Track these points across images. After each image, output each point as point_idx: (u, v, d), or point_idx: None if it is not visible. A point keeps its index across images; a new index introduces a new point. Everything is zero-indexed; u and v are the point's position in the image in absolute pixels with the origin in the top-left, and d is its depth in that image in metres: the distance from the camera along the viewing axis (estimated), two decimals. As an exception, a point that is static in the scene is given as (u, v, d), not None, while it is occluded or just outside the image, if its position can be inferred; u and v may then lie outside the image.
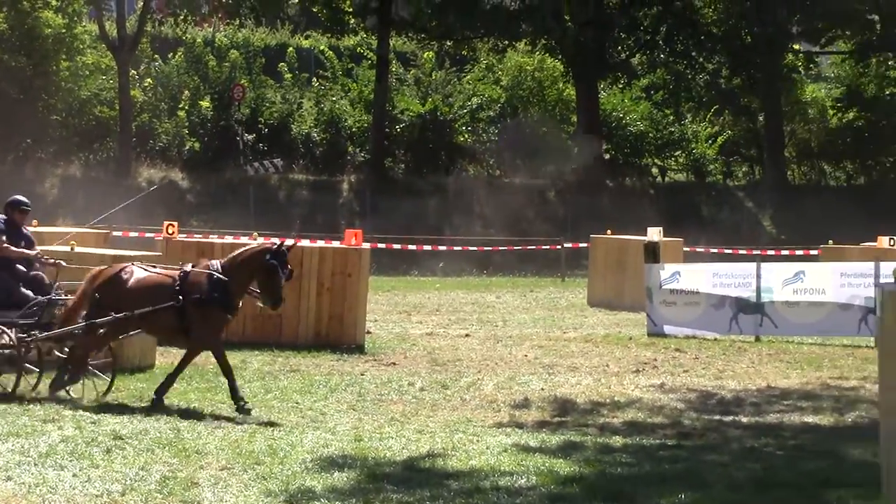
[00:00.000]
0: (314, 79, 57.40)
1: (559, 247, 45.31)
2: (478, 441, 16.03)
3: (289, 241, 19.13)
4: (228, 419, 17.23)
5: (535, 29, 54.99)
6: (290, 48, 58.12)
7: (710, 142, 60.78)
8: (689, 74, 59.25)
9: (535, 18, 54.38)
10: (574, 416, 18.33)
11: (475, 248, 47.35)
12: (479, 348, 25.25)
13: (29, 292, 19.78)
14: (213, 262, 19.12)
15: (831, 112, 63.43)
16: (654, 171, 60.38)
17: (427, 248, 45.39)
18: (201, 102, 53.39)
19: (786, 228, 52.51)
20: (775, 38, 57.13)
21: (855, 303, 26.91)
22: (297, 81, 56.56)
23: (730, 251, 39.69)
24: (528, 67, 58.22)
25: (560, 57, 56.38)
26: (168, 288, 18.81)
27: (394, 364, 22.68)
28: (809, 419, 18.65)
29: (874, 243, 35.33)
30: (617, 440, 16.51)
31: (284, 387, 19.70)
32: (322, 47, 58.90)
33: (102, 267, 20.08)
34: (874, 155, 62.07)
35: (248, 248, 19.51)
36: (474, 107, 57.19)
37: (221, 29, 59.55)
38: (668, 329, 27.94)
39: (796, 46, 61.76)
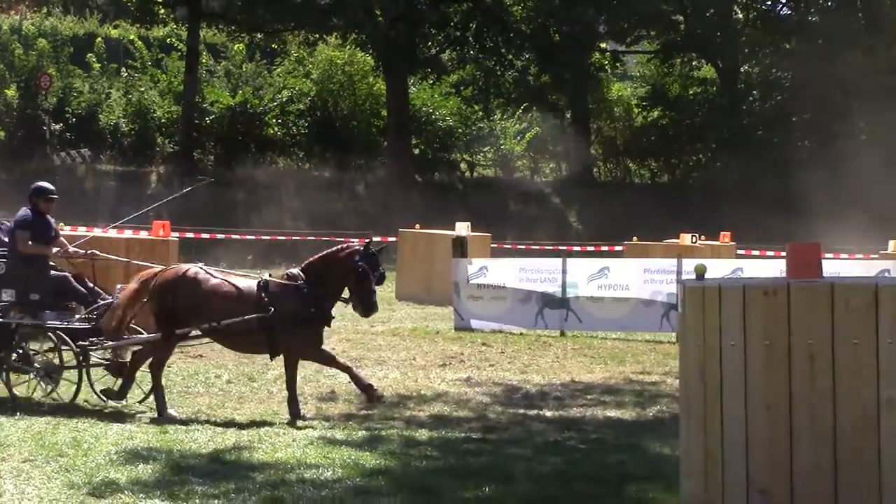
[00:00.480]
0: (123, 69, 56.89)
1: (367, 241, 45.22)
2: (284, 434, 16.04)
3: (376, 240, 19.46)
4: (32, 411, 16.99)
5: (345, 23, 55.02)
6: (99, 38, 57.55)
7: (518, 138, 61.20)
8: (498, 71, 59.59)
9: (346, 13, 54.38)
10: (380, 409, 18.31)
11: (284, 239, 47.21)
12: (284, 340, 25.20)
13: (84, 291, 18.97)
14: (293, 270, 18.47)
15: (636, 111, 64.30)
16: (463, 166, 60.59)
17: (235, 237, 45.17)
18: (7, 91, 52.67)
19: (591, 224, 52.94)
20: (582, 36, 57.70)
21: (657, 299, 27.25)
22: (106, 71, 56.04)
23: (536, 247, 39.91)
24: (338, 61, 58.19)
25: (370, 51, 56.34)
26: (252, 297, 17.83)
27: (201, 356, 22.53)
28: (612, 413, 18.82)
29: (677, 240, 35.72)
30: (423, 433, 16.54)
31: (92, 378, 19.44)
32: (131, 37, 58.40)
33: (157, 268, 19.13)
34: (677, 154, 62.96)
35: (331, 251, 18.73)
36: (284, 100, 57.10)
37: (28, 17, 58.72)
38: (474, 323, 28.06)
39: (603, 45, 62.39)
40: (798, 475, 11.71)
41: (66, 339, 18.38)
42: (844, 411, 11.66)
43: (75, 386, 18.30)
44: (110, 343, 18.37)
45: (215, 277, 18.32)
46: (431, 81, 59.64)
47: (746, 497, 11.81)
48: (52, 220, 19.76)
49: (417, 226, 37.62)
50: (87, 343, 18.46)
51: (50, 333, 18.69)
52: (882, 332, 11.63)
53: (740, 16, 61.15)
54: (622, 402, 19.92)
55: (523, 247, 40.13)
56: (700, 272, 13.28)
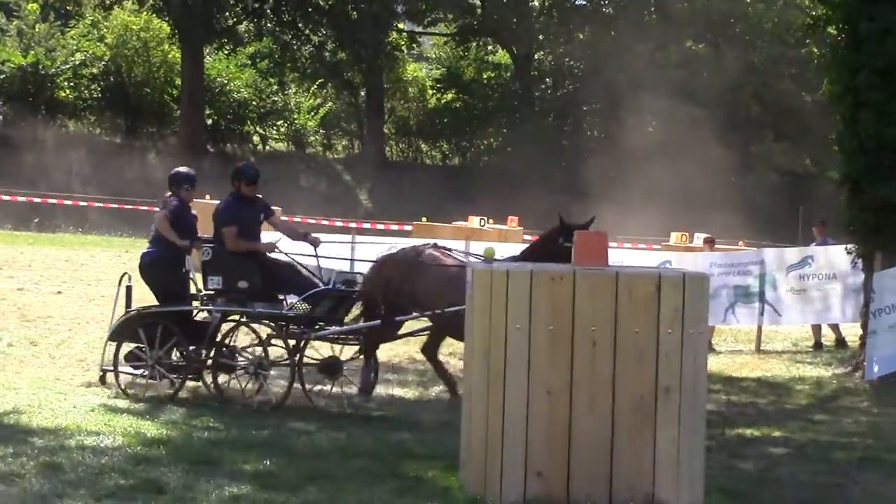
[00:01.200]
0: None
1: (156, 209, 44.94)
2: (65, 399, 15.90)
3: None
4: None
5: (141, -12, 54.63)
6: None
7: (311, 113, 61.18)
8: (294, 45, 59.53)
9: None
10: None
11: (70, 204, 46.75)
12: (70, 306, 24.95)
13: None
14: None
15: (430, 92, 64.45)
16: (256, 139, 60.44)
17: (21, 199, 44.68)
18: None
19: (382, 203, 53.08)
20: (380, 15, 57.74)
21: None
22: None
23: (326, 222, 39.91)
24: (133, 27, 57.65)
25: (167, 18, 55.97)
26: None
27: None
28: (395, 392, 18.90)
29: (466, 223, 35.97)
30: (207, 405, 16.53)
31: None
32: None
33: (392, 252, 18.78)
34: (469, 137, 63.26)
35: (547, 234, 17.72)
36: (77, 63, 56.48)
37: None
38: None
39: (400, 25, 62.47)
40: (575, 458, 11.95)
41: (277, 330, 17.30)
42: (623, 397, 11.94)
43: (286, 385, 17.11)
44: (333, 329, 17.49)
45: (447, 258, 17.27)
46: (227, 52, 59.44)
47: (524, 478, 12.02)
48: (262, 203, 18.35)
49: (207, 196, 37.55)
50: (302, 331, 17.39)
51: (261, 325, 17.50)
52: (663, 321, 11.93)
53: (536, 3, 61.61)
54: (405, 381, 20.04)
55: (314, 222, 40.13)
56: (488, 255, 13.45)
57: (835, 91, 21.85)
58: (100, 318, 23.59)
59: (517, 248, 28.15)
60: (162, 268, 17.79)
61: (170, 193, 18.61)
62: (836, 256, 23.74)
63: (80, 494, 11.76)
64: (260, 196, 18.36)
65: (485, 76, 64.04)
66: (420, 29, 64.11)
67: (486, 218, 36.94)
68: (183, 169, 19.08)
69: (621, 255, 26.81)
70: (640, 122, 55.12)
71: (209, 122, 57.46)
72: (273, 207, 18.99)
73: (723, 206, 48.49)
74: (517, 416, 11.83)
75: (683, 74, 55.74)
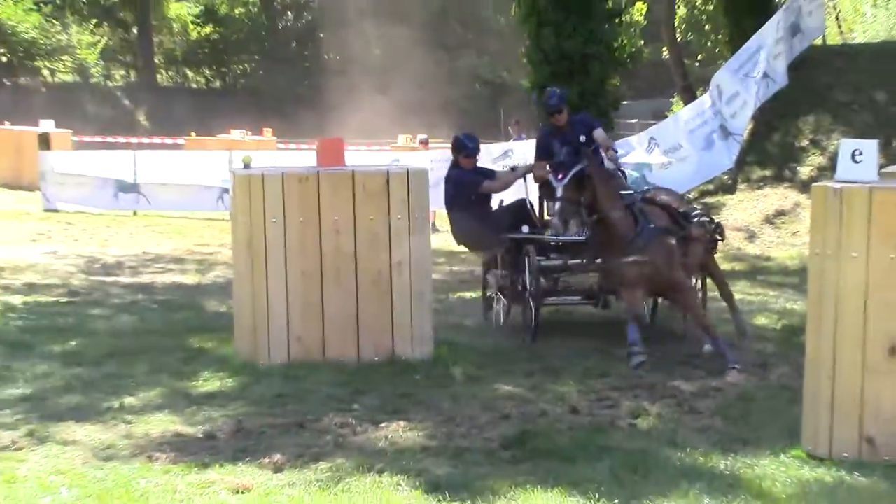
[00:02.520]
0: None
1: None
2: None
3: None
4: None
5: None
6: None
7: (91, 48, 60.25)
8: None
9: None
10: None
11: None
12: None
13: None
14: None
15: (192, 27, 63.73)
16: (45, 73, 59.20)
17: None
18: None
19: (157, 122, 52.46)
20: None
21: (213, 184, 27.34)
22: None
23: (112, 140, 39.29)
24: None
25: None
26: None
27: None
28: (177, 279, 18.89)
29: (228, 136, 35.81)
30: (17, 299, 16.31)
31: None
32: None
33: None
34: (227, 63, 62.80)
35: None
36: None
37: None
38: (60, 206, 27.71)
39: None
40: (329, 324, 12.22)
41: None
42: (363, 273, 12.23)
43: None
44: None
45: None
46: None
47: (287, 343, 12.26)
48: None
49: (7, 123, 36.83)
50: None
51: None
52: (392, 210, 12.22)
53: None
54: (186, 270, 20.03)
55: (100, 139, 39.50)
56: (247, 162, 13.46)
57: (522, 13, 22.17)
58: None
59: (272, 155, 28.30)
60: None
61: None
62: (530, 149, 24.12)
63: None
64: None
65: (236, 11, 63.48)
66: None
67: (244, 131, 36.82)
68: None
69: (358, 157, 26.92)
70: (367, 45, 55.09)
71: (3, 59, 56.07)
72: None
73: (438, 113, 48.88)
74: (278, 293, 12.15)
75: (399, 6, 55.76)
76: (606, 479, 8.68)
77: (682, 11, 48.60)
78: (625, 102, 23.90)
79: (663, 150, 20.40)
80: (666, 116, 26.86)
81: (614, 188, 12.59)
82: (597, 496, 8.31)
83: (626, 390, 11.29)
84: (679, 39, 32.53)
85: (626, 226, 12.36)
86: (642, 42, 24.90)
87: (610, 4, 21.77)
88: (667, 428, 10.25)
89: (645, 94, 41.39)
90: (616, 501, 8.25)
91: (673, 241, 12.52)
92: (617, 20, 22.06)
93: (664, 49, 34.56)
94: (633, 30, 23.46)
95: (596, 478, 8.70)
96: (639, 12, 24.70)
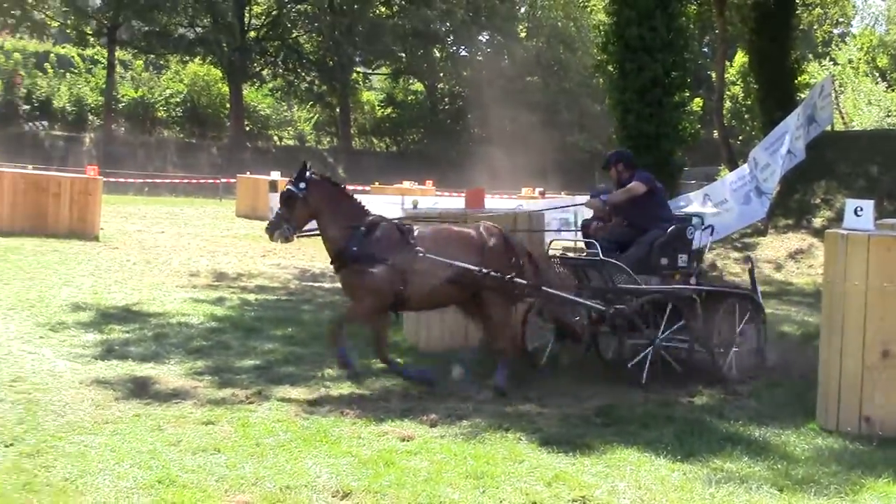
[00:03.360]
0: (67, 73, 55.08)
1: (219, 181, 44.66)
2: (167, 295, 15.85)
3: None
4: (9, 281, 16.44)
5: (205, 51, 54.10)
6: (52, 53, 55.65)
7: (308, 122, 61.16)
8: (295, 82, 58.93)
9: (205, 45, 53.60)
10: (226, 281, 18.20)
11: (168, 182, 46.51)
12: (170, 240, 24.71)
13: None
14: None
15: (378, 108, 64.28)
16: (275, 139, 60.15)
17: (140, 180, 44.38)
18: (-6, 84, 50.98)
19: (351, 175, 52.84)
20: (346, 63, 57.41)
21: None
22: (57, 74, 54.22)
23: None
24: (200, 73, 57.19)
25: (220, 67, 55.41)
26: None
27: (117, 248, 22.00)
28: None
29: (401, 185, 35.85)
30: (251, 297, 16.49)
31: (49, 261, 18.88)
32: (73, 54, 56.57)
33: None
34: (402, 135, 63.18)
35: None
36: (167, 95, 56.05)
37: (7, 38, 56.51)
38: (281, 232, 27.95)
39: (358, 69, 62.08)
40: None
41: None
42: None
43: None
44: None
45: None
46: (256, 86, 58.96)
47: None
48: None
49: (248, 172, 37.40)
50: None
51: None
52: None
53: (438, 54, 61.37)
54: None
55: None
56: (415, 203, 13.45)
57: (612, 103, 22.06)
58: (188, 247, 23.37)
59: (432, 200, 28.27)
60: None
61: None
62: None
63: (179, 352, 11.75)
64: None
65: (409, 98, 63.85)
66: (370, 70, 63.85)
67: (413, 182, 36.97)
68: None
69: (492, 203, 26.85)
70: (501, 123, 55.13)
71: (247, 128, 57.02)
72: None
73: (550, 172, 48.84)
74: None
75: (524, 97, 55.81)
76: (671, 440, 8.66)
77: (728, 105, 48.38)
78: (686, 169, 23.58)
79: (714, 204, 20.03)
80: (716, 179, 26.54)
81: (339, 213, 10.45)
82: (664, 452, 8.29)
83: (685, 377, 11.07)
84: (725, 124, 32.04)
85: (339, 245, 10.35)
86: (699, 126, 24.60)
87: (676, 98, 21.56)
88: (715, 404, 10.16)
89: (700, 163, 40.93)
90: (678, 456, 8.19)
91: (371, 269, 10.12)
92: (682, 109, 21.81)
93: (715, 131, 34.15)
94: (692, 116, 23.12)
95: (663, 439, 8.67)
96: (697, 104, 24.77)
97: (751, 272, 12.23)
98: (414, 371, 10.69)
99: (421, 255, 10.30)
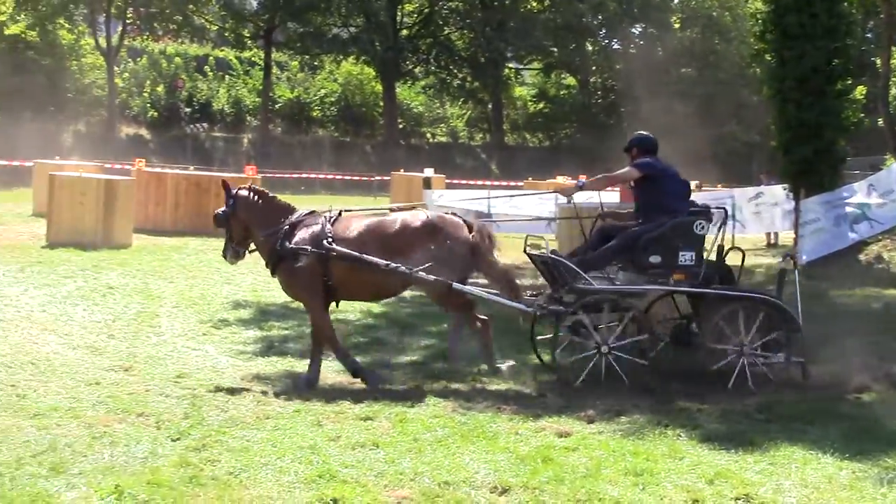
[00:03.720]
0: (225, 76, 56.49)
1: (373, 178, 45.17)
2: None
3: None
4: (173, 279, 16.92)
5: (358, 50, 54.65)
6: (211, 56, 57.16)
7: (460, 118, 61.39)
8: (447, 79, 59.17)
9: (359, 44, 54.15)
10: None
11: (322, 177, 47.24)
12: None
13: None
14: None
15: (530, 103, 64.11)
16: (428, 136, 60.52)
17: (295, 176, 45.17)
18: (157, 89, 52.37)
19: (504, 170, 53.00)
20: (497, 59, 57.41)
21: (543, 213, 27.21)
22: (216, 77, 55.67)
23: (473, 182, 39.65)
24: (354, 72, 57.94)
25: (374, 66, 56.02)
26: None
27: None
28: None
29: (554, 180, 35.71)
30: (406, 293, 16.57)
31: (211, 259, 19.30)
32: (231, 57, 58.02)
33: None
34: (554, 129, 62.89)
35: None
36: (322, 94, 56.96)
37: (170, 43, 58.26)
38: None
39: (510, 65, 62.03)
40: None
41: None
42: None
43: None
44: None
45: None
46: (409, 84, 59.45)
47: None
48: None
49: (402, 170, 37.75)
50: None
51: None
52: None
53: (590, 47, 60.82)
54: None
55: (464, 182, 39.96)
56: (570, 199, 13.31)
57: (770, 92, 21.55)
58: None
59: (586, 195, 27.92)
60: None
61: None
62: (777, 191, 23.41)
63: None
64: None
65: (561, 93, 63.50)
66: (522, 66, 63.76)
67: (566, 176, 36.77)
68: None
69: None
70: (655, 116, 54.29)
71: (400, 126, 57.53)
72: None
73: (707, 165, 47.98)
74: None
75: (678, 88, 54.92)
76: (838, 437, 8.40)
77: (893, 91, 46.76)
78: (849, 159, 22.89)
79: (879, 194, 19.41)
80: (881, 169, 25.72)
81: (264, 218, 10.54)
82: (831, 450, 8.05)
83: (853, 373, 10.72)
84: (892, 112, 30.97)
85: (267, 249, 10.54)
86: (863, 114, 23.78)
87: (838, 86, 20.93)
88: (885, 401, 9.80)
89: (864, 152, 39.66)
90: (847, 454, 7.94)
91: (298, 263, 10.23)
92: (844, 98, 21.16)
93: (880, 119, 33.04)
94: (855, 104, 22.37)
95: (829, 436, 8.44)
96: (860, 92, 24.05)
97: (780, 274, 10.74)
98: (368, 373, 10.38)
99: (328, 244, 10.21)
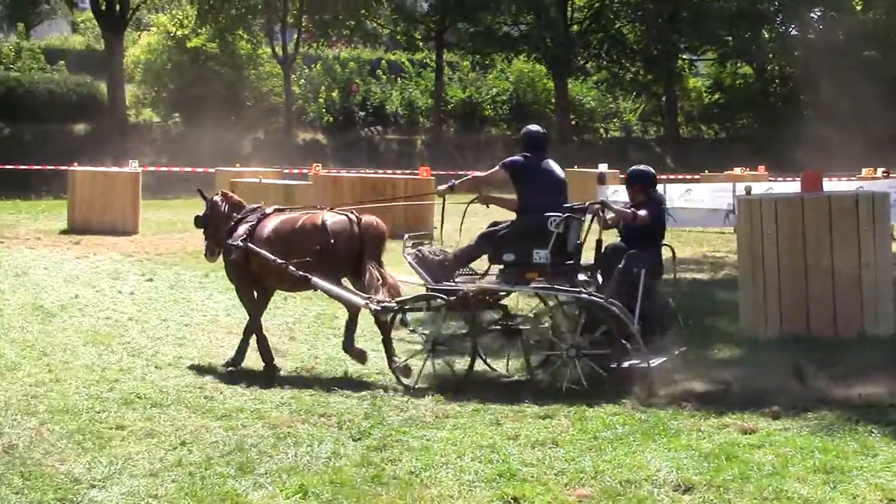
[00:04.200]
0: (398, 78, 57.24)
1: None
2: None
3: None
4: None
5: (529, 48, 54.69)
6: (384, 60, 58.02)
7: (633, 112, 60.81)
8: (620, 73, 58.62)
9: (529, 42, 54.16)
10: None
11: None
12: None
13: None
14: None
15: (705, 94, 63.12)
16: (601, 131, 60.14)
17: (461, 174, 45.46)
18: (332, 94, 53.40)
19: (679, 163, 52.10)
20: (670, 51, 56.69)
21: (721, 207, 26.77)
22: (389, 80, 56.48)
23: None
24: (525, 70, 58.01)
25: (544, 64, 55.94)
26: None
27: (452, 246, 22.46)
28: (696, 276, 18.60)
29: (732, 172, 35.08)
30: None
31: (390, 259, 19.47)
32: (403, 59, 58.78)
33: None
34: (730, 119, 61.78)
35: None
36: (494, 94, 57.19)
37: (343, 49, 59.39)
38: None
39: (683, 56, 61.09)
40: (812, 309, 11.72)
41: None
42: (838, 272, 11.68)
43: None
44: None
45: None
46: (581, 80, 59.12)
47: (780, 324, 11.84)
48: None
49: (575, 166, 37.63)
50: None
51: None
52: (861, 225, 11.57)
53: (766, 35, 59.39)
54: (702, 269, 19.72)
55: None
56: (748, 190, 13.10)
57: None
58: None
59: (765, 186, 27.46)
60: None
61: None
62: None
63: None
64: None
65: (737, 82, 62.28)
66: (695, 57, 62.74)
67: (744, 168, 36.04)
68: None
69: (829, 185, 25.82)
70: (837, 104, 52.75)
71: (573, 122, 57.29)
72: None
73: (892, 151, 46.34)
74: (772, 287, 11.91)
75: (861, 73, 53.02)
76: None
77: None
78: None
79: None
80: None
81: (224, 219, 11.59)
82: None
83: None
84: None
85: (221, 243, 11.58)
86: None
87: None
88: None
89: None
90: None
91: (231, 256, 11.26)
92: None
93: None
94: None
95: None
96: None
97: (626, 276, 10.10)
98: (272, 366, 10.99)
99: (241, 240, 11.09)
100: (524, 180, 10.51)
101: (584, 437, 8.19)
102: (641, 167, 11.12)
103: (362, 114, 53.71)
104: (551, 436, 8.23)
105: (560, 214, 10.01)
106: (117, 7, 45.89)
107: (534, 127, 11.15)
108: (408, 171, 32.11)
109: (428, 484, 7.16)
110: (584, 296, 9.84)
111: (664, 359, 9.92)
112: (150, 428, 8.50)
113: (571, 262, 10.37)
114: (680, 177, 38.37)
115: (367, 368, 10.75)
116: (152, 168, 36.16)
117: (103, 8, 45.82)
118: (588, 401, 9.27)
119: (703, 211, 27.31)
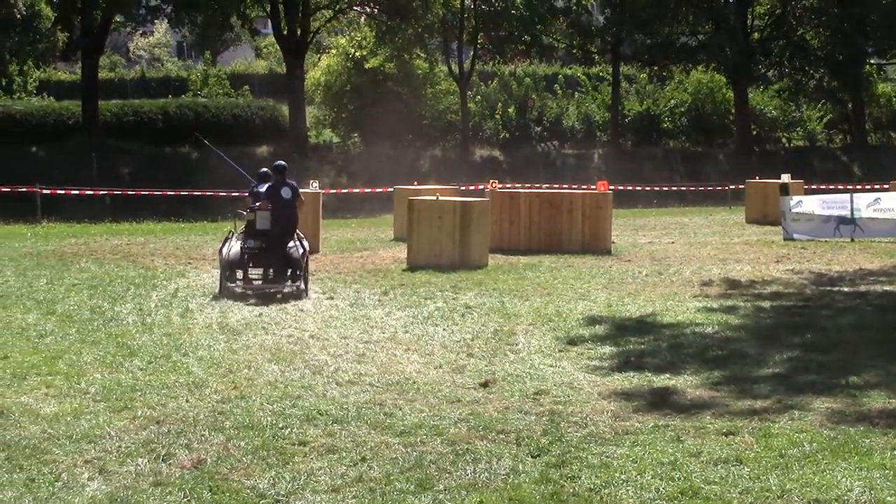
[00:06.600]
0: (575, 92, 57.12)
1: (727, 187, 44.36)
2: (680, 305, 15.83)
3: None
4: (528, 297, 17.15)
5: (707, 58, 53.96)
6: (560, 74, 58.05)
7: (818, 121, 59.13)
8: (803, 81, 57.18)
9: (708, 52, 53.46)
10: (739, 289, 17.90)
11: (674, 189, 46.82)
12: (680, 250, 24.82)
13: None
14: None
15: (894, 100, 61.02)
16: (784, 140, 58.78)
17: (648, 188, 45.00)
18: (509, 110, 53.61)
19: (868, 171, 50.45)
20: (857, 56, 55.05)
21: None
22: (566, 94, 56.41)
23: (832, 187, 38.19)
24: (704, 80, 57.12)
25: (724, 73, 55.04)
26: None
27: (629, 261, 22.34)
28: (887, 288, 17.94)
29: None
30: (765, 303, 16.11)
31: (565, 276, 19.54)
32: (579, 74, 58.64)
33: None
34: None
35: None
36: (672, 106, 56.49)
37: (519, 65, 59.57)
38: (796, 236, 27.15)
39: (871, 61, 59.17)
40: None
41: None
42: None
43: None
44: None
45: None
46: (762, 89, 57.87)
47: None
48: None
49: (757, 178, 36.83)
50: None
51: None
52: None
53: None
54: (892, 280, 19.00)
55: (824, 187, 38.55)
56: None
57: None
58: (698, 256, 23.33)
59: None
60: None
61: None
62: None
63: (694, 361, 11.68)
64: None
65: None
66: (884, 61, 60.68)
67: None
68: None
69: None
70: None
71: (754, 132, 56.12)
72: None
73: None
74: None
75: None
76: None
77: None
78: None
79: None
80: None
81: None
82: None
83: None
84: None
85: None
86: None
87: None
88: None
89: None
90: None
91: None
92: None
93: None
94: None
95: None
96: None
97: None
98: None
99: None
100: None
101: (770, 454, 7.97)
102: None
103: (538, 129, 53.80)
104: (735, 453, 8.04)
105: None
106: (298, 31, 47.06)
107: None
108: (585, 186, 31.97)
109: (608, 501, 7.09)
110: None
111: None
112: (331, 444, 8.62)
113: None
114: (868, 186, 37.17)
115: (545, 384, 10.72)
116: (333, 190, 36.96)
117: (285, 32, 47.09)
118: (772, 417, 9.03)
119: (894, 221, 26.37)
